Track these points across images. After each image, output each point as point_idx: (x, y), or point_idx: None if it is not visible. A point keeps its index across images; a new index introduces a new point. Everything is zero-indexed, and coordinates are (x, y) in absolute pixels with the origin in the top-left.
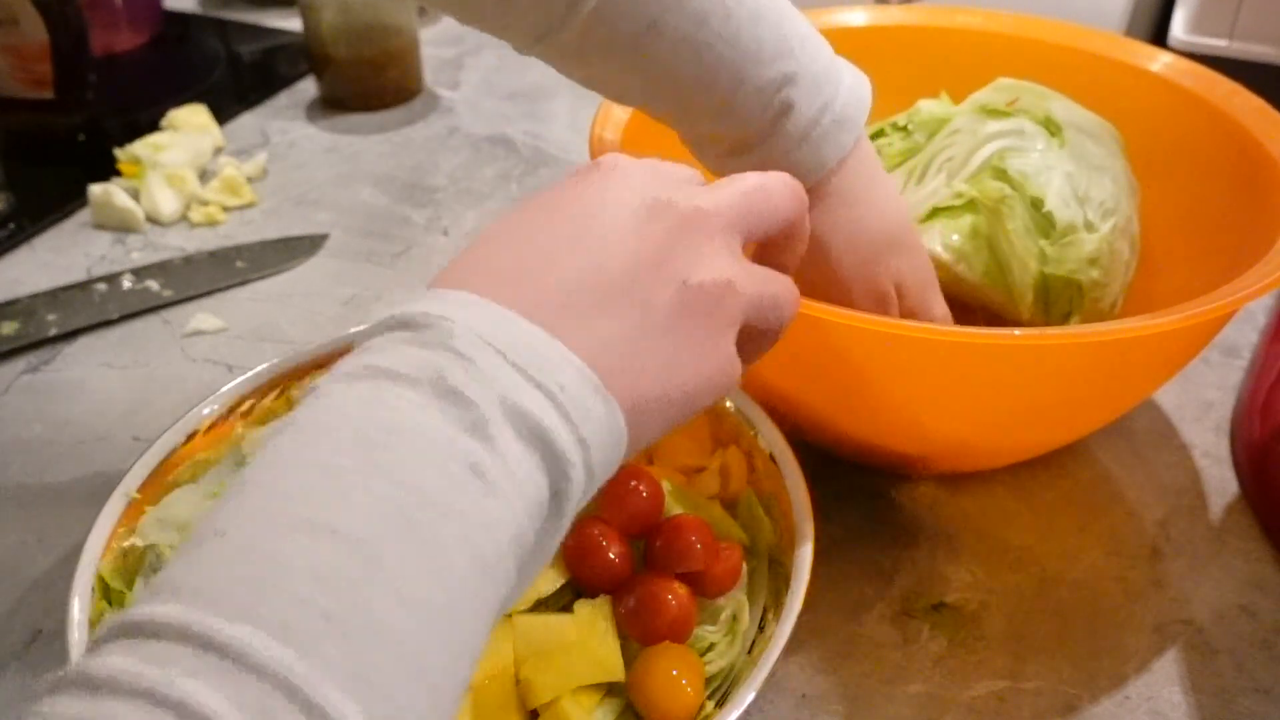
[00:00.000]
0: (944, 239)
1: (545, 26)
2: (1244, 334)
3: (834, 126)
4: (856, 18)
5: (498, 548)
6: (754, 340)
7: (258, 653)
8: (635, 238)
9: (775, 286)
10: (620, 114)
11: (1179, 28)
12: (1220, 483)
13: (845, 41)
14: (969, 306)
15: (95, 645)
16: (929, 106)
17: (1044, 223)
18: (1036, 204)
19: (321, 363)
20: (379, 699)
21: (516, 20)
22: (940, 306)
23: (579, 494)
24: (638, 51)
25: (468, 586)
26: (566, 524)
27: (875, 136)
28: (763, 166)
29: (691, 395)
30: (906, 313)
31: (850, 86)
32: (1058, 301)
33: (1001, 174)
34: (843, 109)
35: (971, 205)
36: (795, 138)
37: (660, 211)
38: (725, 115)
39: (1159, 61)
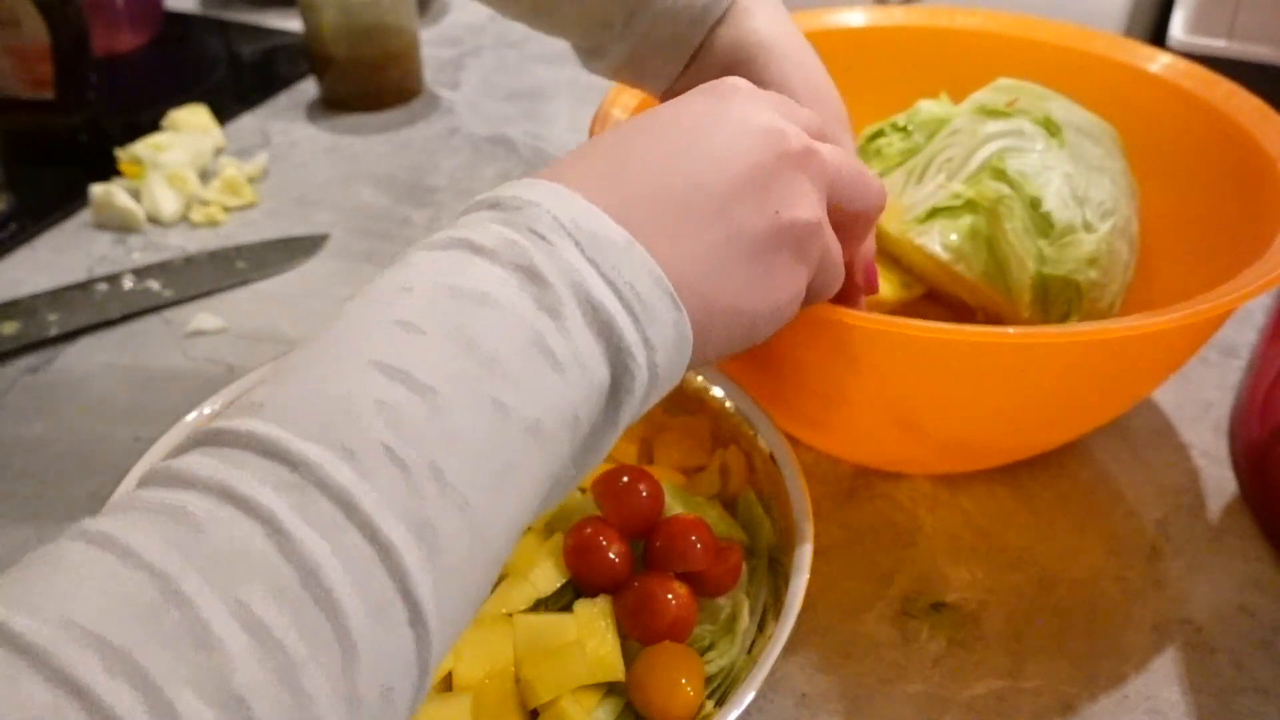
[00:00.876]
0: (943, 239)
1: None
2: (1243, 334)
3: None
4: (856, 18)
5: (556, 422)
6: (846, 225)
7: (323, 469)
8: (742, 160)
9: (839, 247)
10: (620, 115)
11: (1178, 28)
12: (1219, 482)
13: (845, 42)
14: (968, 306)
15: (178, 451)
16: (929, 107)
17: (1043, 223)
18: (1035, 204)
19: None
20: (426, 532)
21: None
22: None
23: (641, 392)
24: None
25: (522, 453)
26: (624, 422)
27: (875, 137)
28: (655, 22)
29: (756, 322)
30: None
31: None
32: (1056, 302)
33: (1001, 174)
34: None
35: (970, 205)
36: None
37: (774, 140)
38: None
39: (1158, 62)
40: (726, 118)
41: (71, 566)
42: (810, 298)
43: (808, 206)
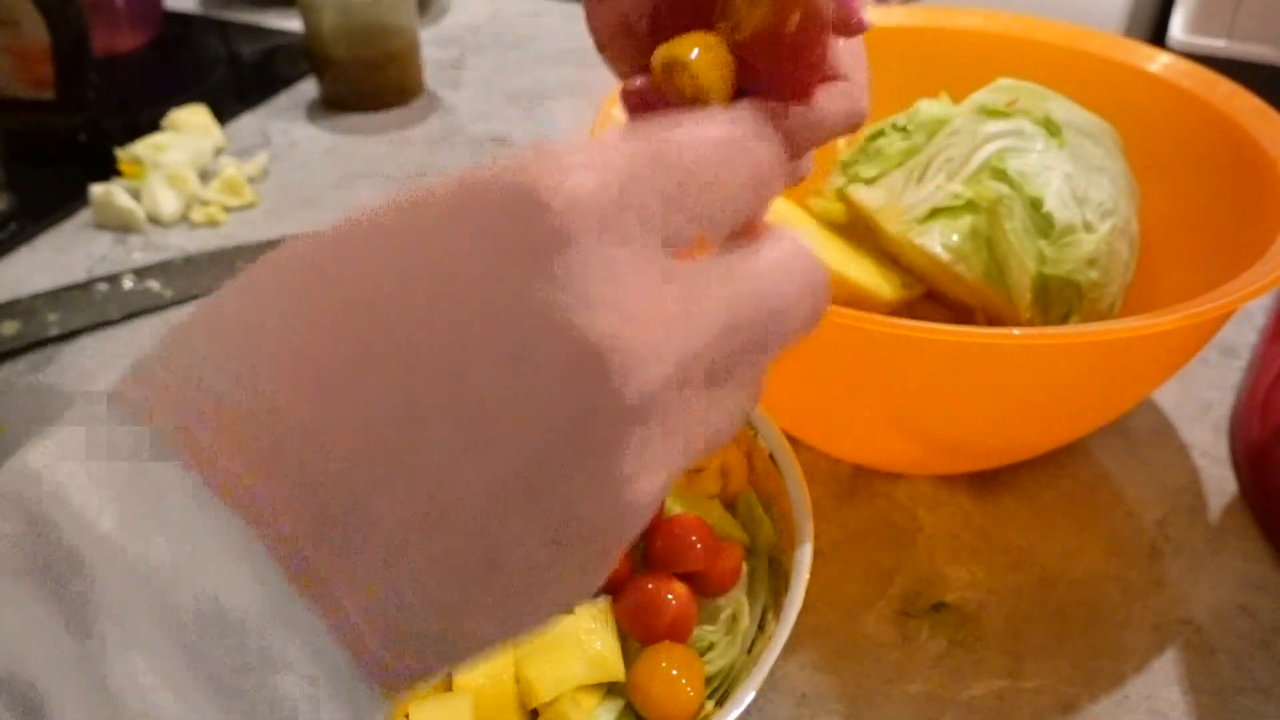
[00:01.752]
0: (943, 239)
1: None
2: (1243, 334)
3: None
4: None
5: None
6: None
7: None
8: (528, 436)
9: (723, 429)
10: (619, 114)
11: (1178, 28)
12: (1219, 482)
13: None
14: (969, 307)
15: None
16: (929, 107)
17: (1043, 223)
18: (1035, 204)
19: None
20: None
21: None
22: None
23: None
24: None
25: None
26: None
27: (875, 137)
28: None
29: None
30: None
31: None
32: (1056, 302)
33: (1001, 174)
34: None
35: (970, 205)
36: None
37: (601, 376)
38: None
39: (1158, 62)
40: (519, 317)
41: None
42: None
43: (637, 491)
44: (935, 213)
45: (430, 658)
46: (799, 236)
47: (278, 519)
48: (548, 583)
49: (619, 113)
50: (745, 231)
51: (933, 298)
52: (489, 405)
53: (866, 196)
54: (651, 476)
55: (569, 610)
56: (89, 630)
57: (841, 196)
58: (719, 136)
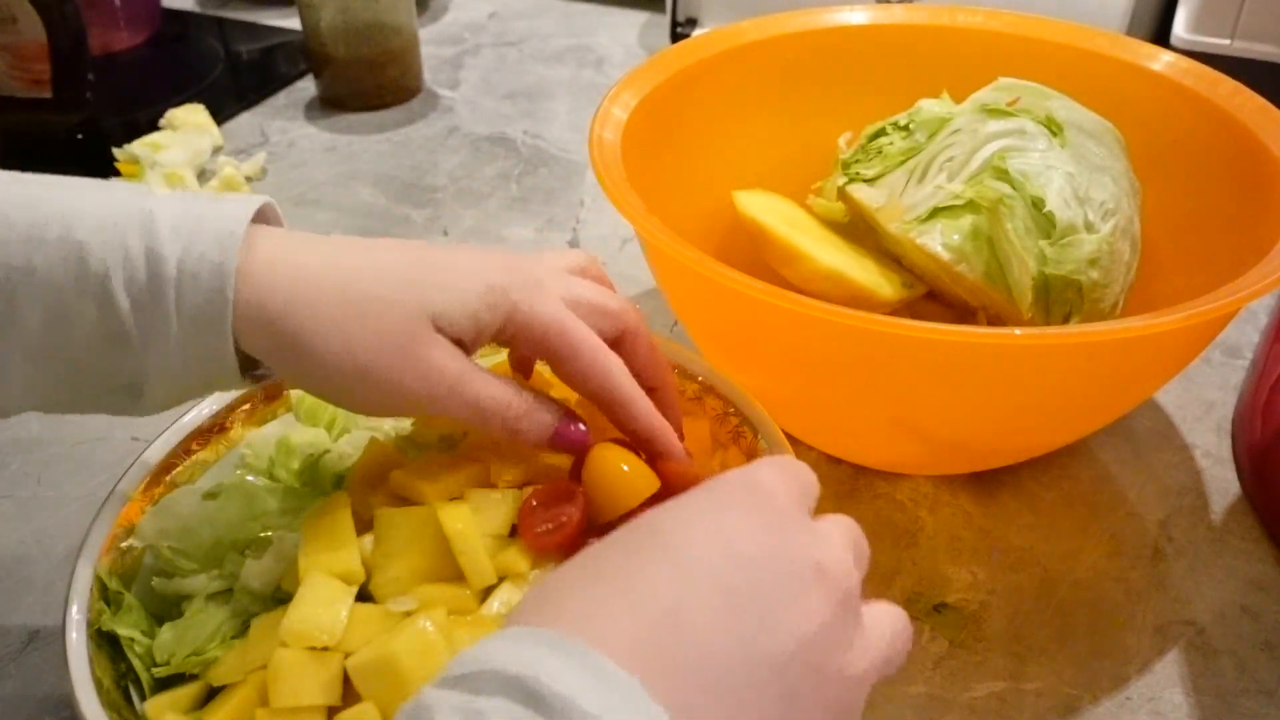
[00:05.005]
0: (944, 239)
1: None
2: (1245, 334)
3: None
4: (858, 17)
5: None
6: None
7: None
8: (806, 619)
9: (899, 644)
10: (620, 114)
11: (1181, 27)
12: (1221, 483)
13: (846, 40)
14: (970, 306)
15: None
16: (930, 106)
17: (1045, 223)
18: (1037, 204)
19: None
20: None
21: None
22: None
23: None
24: None
25: None
26: None
27: (876, 136)
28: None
29: None
30: None
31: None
32: (1058, 302)
33: (1002, 174)
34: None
35: (971, 205)
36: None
37: (815, 573)
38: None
39: (1161, 61)
40: (784, 554)
41: None
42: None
43: (865, 653)
44: (936, 212)
45: None
46: (841, 516)
47: (671, 698)
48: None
49: (619, 112)
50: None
51: (934, 298)
52: (778, 603)
53: (867, 196)
54: (864, 649)
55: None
56: None
57: (842, 195)
58: (797, 465)
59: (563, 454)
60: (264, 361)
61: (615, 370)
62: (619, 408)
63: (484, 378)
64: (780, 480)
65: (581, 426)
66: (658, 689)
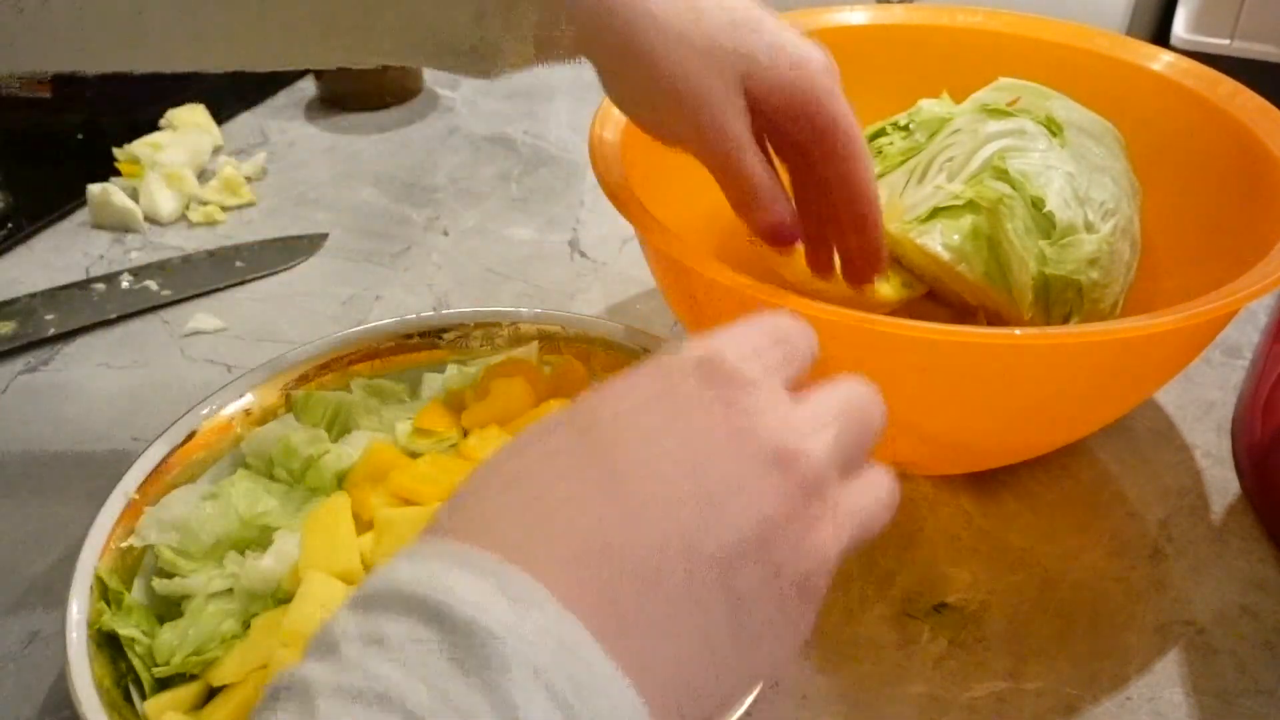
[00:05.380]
0: (944, 239)
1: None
2: (1245, 334)
3: None
4: (857, 17)
5: None
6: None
7: None
8: (748, 512)
9: (872, 510)
10: (619, 114)
11: (1181, 27)
12: (1221, 483)
13: (846, 40)
14: (970, 306)
15: None
16: (930, 106)
17: (1044, 223)
18: (1037, 204)
19: (321, 363)
20: None
21: None
22: (839, 101)
23: None
24: None
25: None
26: None
27: (876, 136)
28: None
29: (758, 680)
30: (791, 109)
31: None
32: (1058, 302)
33: (1002, 174)
34: None
35: (972, 205)
36: None
37: (787, 466)
38: None
39: (1161, 61)
40: (728, 437)
41: None
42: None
43: (821, 547)
44: (936, 212)
45: (702, 711)
46: (854, 378)
47: (590, 606)
48: (774, 633)
49: (617, 113)
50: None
51: (933, 297)
52: (722, 494)
53: None
54: (831, 538)
55: (788, 660)
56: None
57: None
58: (795, 322)
59: (770, 245)
60: (586, 49)
61: (869, 163)
62: (862, 202)
63: (757, 151)
64: (746, 349)
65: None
66: (579, 601)
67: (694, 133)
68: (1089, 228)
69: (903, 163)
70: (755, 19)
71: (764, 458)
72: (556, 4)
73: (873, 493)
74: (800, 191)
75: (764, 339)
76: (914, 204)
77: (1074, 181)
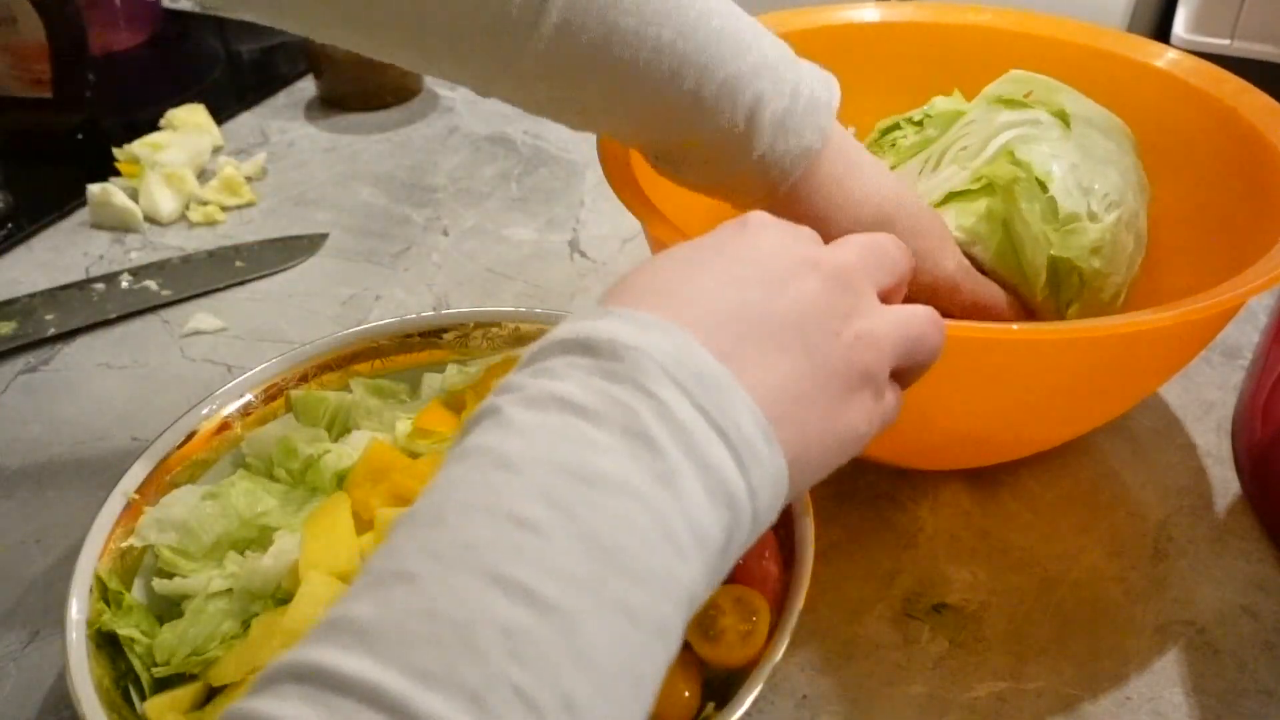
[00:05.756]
0: (958, 221)
1: (503, 59)
2: (1246, 334)
3: (809, 110)
4: (866, 14)
5: (678, 612)
6: (905, 374)
7: None
8: (795, 286)
9: (919, 325)
10: None
11: (1181, 27)
12: (1222, 483)
13: (854, 38)
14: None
15: (268, 683)
16: (943, 103)
17: (1049, 208)
18: (1043, 188)
19: (321, 363)
20: None
21: (473, 59)
22: (966, 271)
23: (743, 540)
24: (598, 64)
25: (650, 659)
26: (727, 570)
27: (889, 131)
28: (745, 170)
29: (846, 446)
30: (935, 284)
31: (811, 71)
32: (1063, 287)
33: (1014, 161)
34: (812, 93)
35: (987, 188)
36: (773, 128)
37: (812, 265)
38: (695, 118)
39: (1166, 58)
40: (769, 251)
41: None
42: (913, 375)
43: (865, 318)
44: (950, 197)
45: (792, 437)
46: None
47: (701, 336)
48: (846, 389)
49: None
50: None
51: None
52: (778, 282)
53: None
54: (878, 326)
55: (864, 434)
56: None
57: None
58: (892, 241)
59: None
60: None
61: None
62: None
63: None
64: (784, 231)
65: None
66: (710, 346)
67: None
68: (1091, 217)
69: (915, 154)
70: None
71: (799, 261)
72: (783, 171)
73: (915, 314)
74: None
75: (858, 242)
76: (927, 190)
77: (1077, 171)
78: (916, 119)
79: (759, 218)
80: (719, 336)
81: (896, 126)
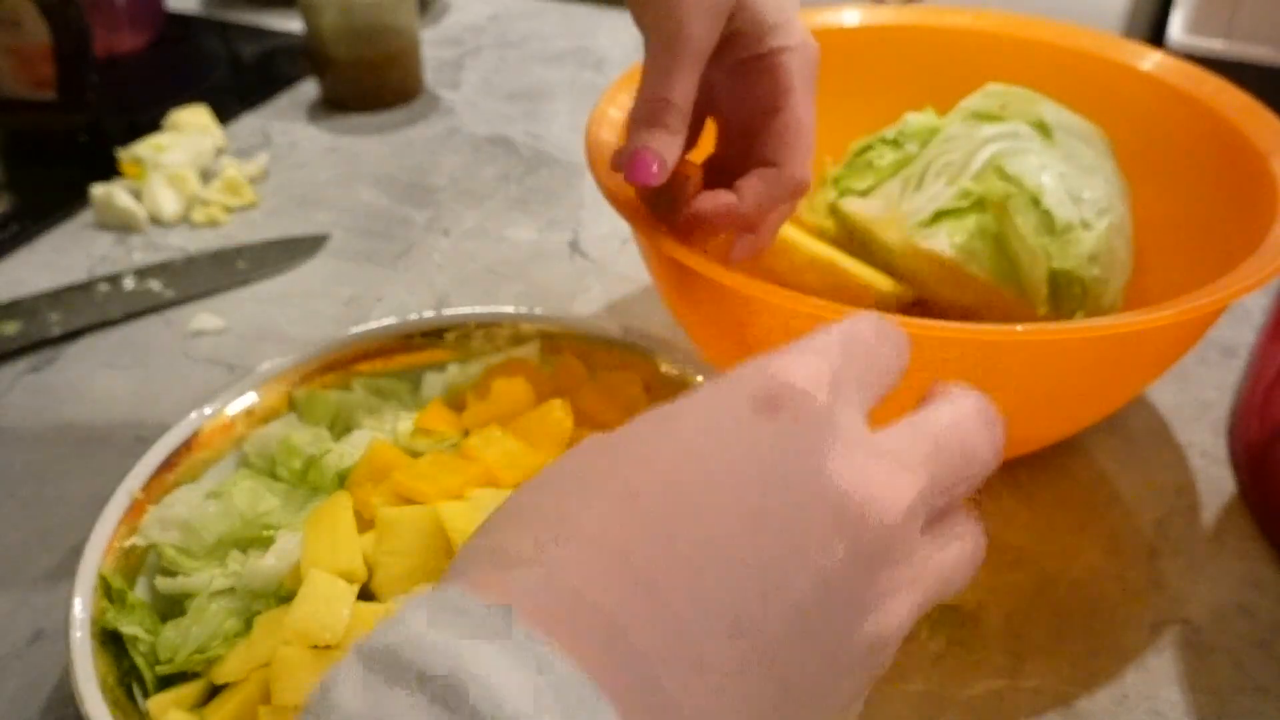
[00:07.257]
0: (951, 240)
1: None
2: (1241, 333)
3: None
4: (847, 18)
5: None
6: None
7: None
8: (807, 567)
9: (953, 568)
10: (616, 115)
11: (1177, 29)
12: (1218, 482)
13: (838, 42)
14: (967, 314)
15: None
16: (916, 119)
17: (1046, 219)
18: (1036, 201)
19: (323, 363)
20: None
21: None
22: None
23: None
24: None
25: None
26: None
27: (864, 151)
28: None
29: None
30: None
31: None
32: (1066, 298)
33: (1003, 174)
34: None
35: (978, 205)
36: None
37: (851, 524)
38: None
39: (1147, 59)
40: (787, 486)
41: None
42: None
43: (896, 610)
44: (940, 215)
45: None
46: (974, 393)
47: (616, 689)
48: (823, 706)
49: (615, 112)
50: (922, 399)
51: (922, 306)
52: (777, 555)
53: (863, 207)
54: (899, 604)
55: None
56: None
57: (834, 211)
58: (874, 328)
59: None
60: None
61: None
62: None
63: (695, 77)
64: (816, 368)
65: (654, 169)
66: (608, 677)
67: (653, 19)
68: (1085, 225)
69: (895, 173)
70: None
71: (830, 515)
72: None
73: (957, 547)
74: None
75: (838, 352)
76: (914, 210)
77: (1067, 181)
78: (891, 137)
79: (749, 386)
80: (649, 670)
81: (870, 147)
